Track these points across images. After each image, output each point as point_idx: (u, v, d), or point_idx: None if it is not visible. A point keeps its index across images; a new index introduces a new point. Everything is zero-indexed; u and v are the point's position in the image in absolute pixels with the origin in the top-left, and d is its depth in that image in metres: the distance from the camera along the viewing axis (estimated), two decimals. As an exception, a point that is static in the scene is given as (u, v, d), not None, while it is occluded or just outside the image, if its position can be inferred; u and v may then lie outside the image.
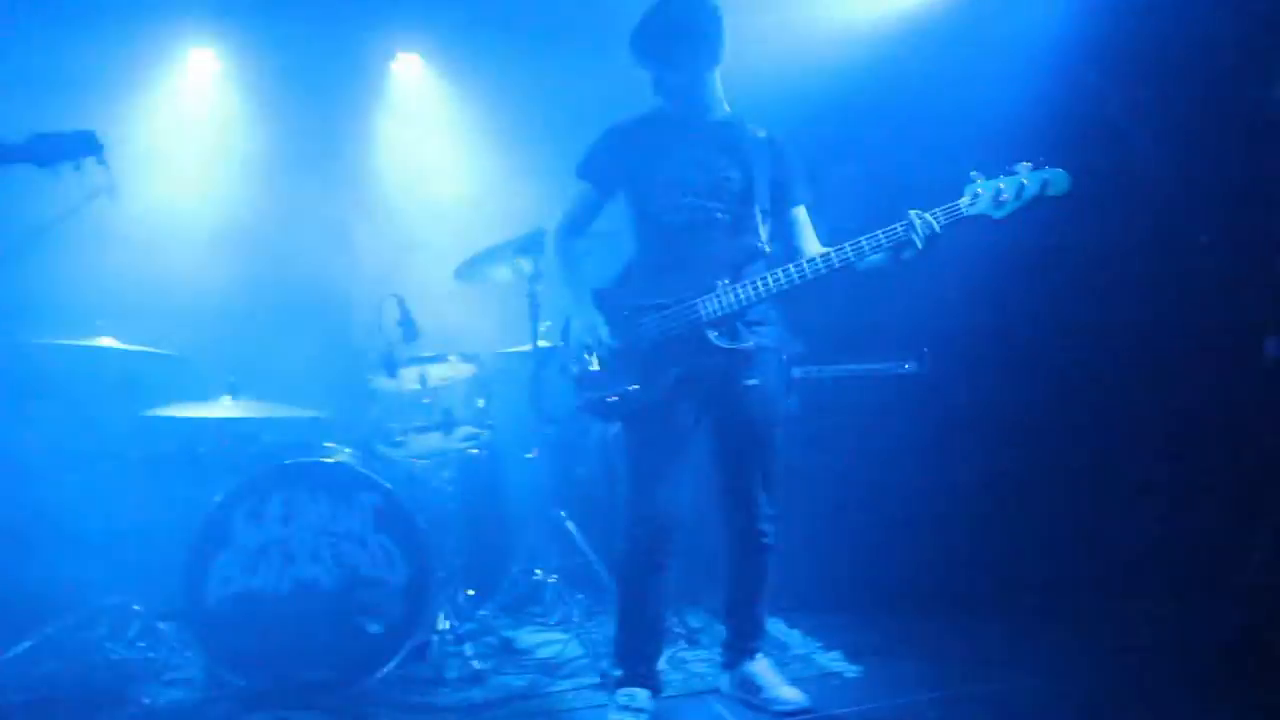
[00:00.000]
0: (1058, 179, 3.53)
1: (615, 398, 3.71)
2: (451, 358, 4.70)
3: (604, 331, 3.73)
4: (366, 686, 4.21)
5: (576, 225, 3.96)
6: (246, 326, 5.36)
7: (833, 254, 3.57)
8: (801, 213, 3.92)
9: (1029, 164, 3.52)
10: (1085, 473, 5.46)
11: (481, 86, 6.18)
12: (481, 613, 4.91)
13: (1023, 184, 3.50)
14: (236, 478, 4.26)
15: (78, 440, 4.80)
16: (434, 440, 4.61)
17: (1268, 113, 4.51)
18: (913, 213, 3.50)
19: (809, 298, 6.15)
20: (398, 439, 4.64)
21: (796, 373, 5.68)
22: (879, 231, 3.54)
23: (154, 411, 4.59)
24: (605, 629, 4.34)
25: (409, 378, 4.62)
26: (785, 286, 3.60)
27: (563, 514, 5.17)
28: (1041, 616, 4.77)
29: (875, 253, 3.54)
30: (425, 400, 4.59)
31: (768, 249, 3.76)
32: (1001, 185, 3.51)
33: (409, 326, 4.56)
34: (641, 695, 3.72)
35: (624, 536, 3.73)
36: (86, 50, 5.35)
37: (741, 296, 3.64)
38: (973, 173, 3.55)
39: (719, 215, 3.77)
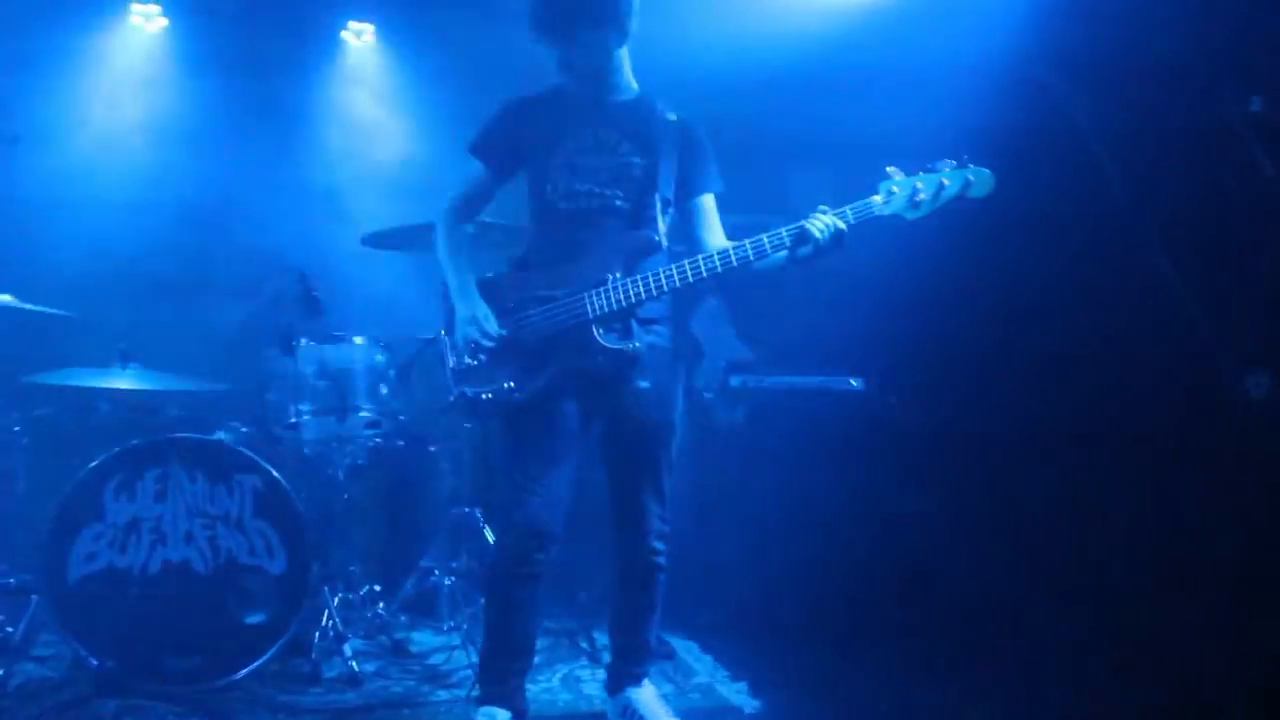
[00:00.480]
0: (981, 179, 3.25)
1: (489, 395, 3.43)
2: (357, 340, 4.44)
3: (489, 324, 3.44)
4: (235, 680, 3.96)
5: (466, 208, 3.66)
6: (158, 294, 5.13)
7: (731, 250, 3.29)
8: (707, 202, 3.62)
9: (952, 162, 3.25)
10: (1031, 507, 5.15)
11: (433, 59, 5.94)
12: (378, 611, 4.63)
13: (942, 184, 3.23)
14: (108, 450, 4.00)
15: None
16: (329, 425, 4.35)
17: (1241, 127, 4.19)
18: (820, 210, 3.23)
19: (756, 302, 6.12)
20: (291, 421, 4.38)
21: (735, 381, 5.42)
22: (781, 229, 3.26)
23: (40, 377, 4.34)
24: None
25: (306, 358, 4.36)
26: (678, 284, 3.32)
27: (477, 512, 4.89)
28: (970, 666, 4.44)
29: (778, 250, 3.26)
30: (321, 383, 4.32)
31: (664, 242, 3.47)
32: (919, 184, 3.23)
33: (312, 303, 4.30)
34: (502, 716, 3.44)
35: (495, 544, 3.46)
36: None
37: (631, 292, 3.35)
38: (889, 168, 3.29)
39: (618, 203, 3.49)
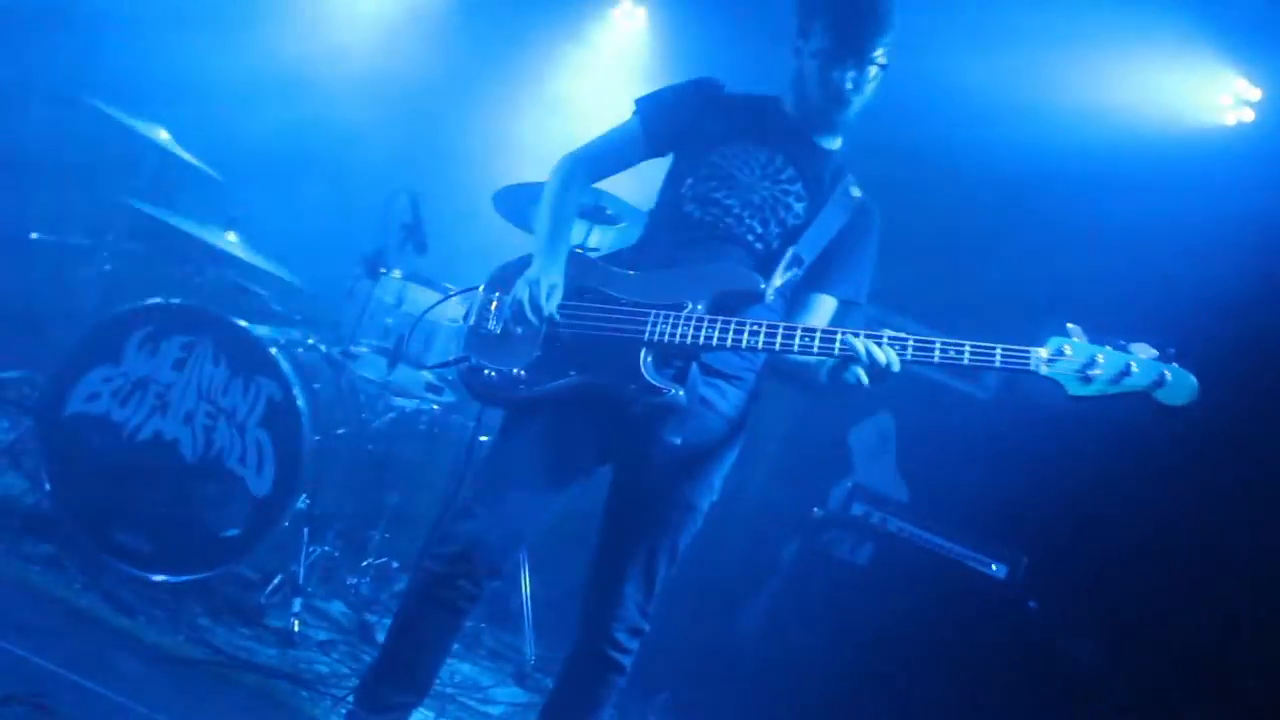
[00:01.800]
0: (1180, 387, 2.42)
1: (492, 372, 2.87)
2: (450, 291, 3.99)
3: (550, 297, 2.83)
4: (171, 583, 3.61)
5: (596, 162, 3.07)
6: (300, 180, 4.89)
7: (817, 336, 2.62)
8: (828, 304, 2.95)
9: (1153, 351, 2.45)
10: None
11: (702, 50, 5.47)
12: (361, 581, 4.16)
13: (1129, 369, 2.43)
14: (144, 299, 3.75)
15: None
16: (380, 368, 3.93)
17: None
18: (896, 336, 2.56)
19: (929, 436, 5.25)
20: (350, 349, 4.00)
21: (858, 509, 4.58)
22: (860, 333, 2.58)
23: (145, 206, 4.18)
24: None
25: (387, 288, 3.96)
26: (748, 343, 2.66)
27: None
28: None
29: (843, 353, 2.59)
30: (390, 320, 3.90)
31: (770, 297, 2.81)
32: (1099, 358, 2.44)
33: (416, 232, 3.91)
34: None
35: (418, 553, 2.88)
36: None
37: (700, 333, 2.70)
38: (1070, 325, 2.50)
39: (750, 237, 2.87)
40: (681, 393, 2.71)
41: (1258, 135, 4.83)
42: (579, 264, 2.95)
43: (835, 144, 3.00)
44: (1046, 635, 4.30)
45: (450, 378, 3.89)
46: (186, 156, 4.39)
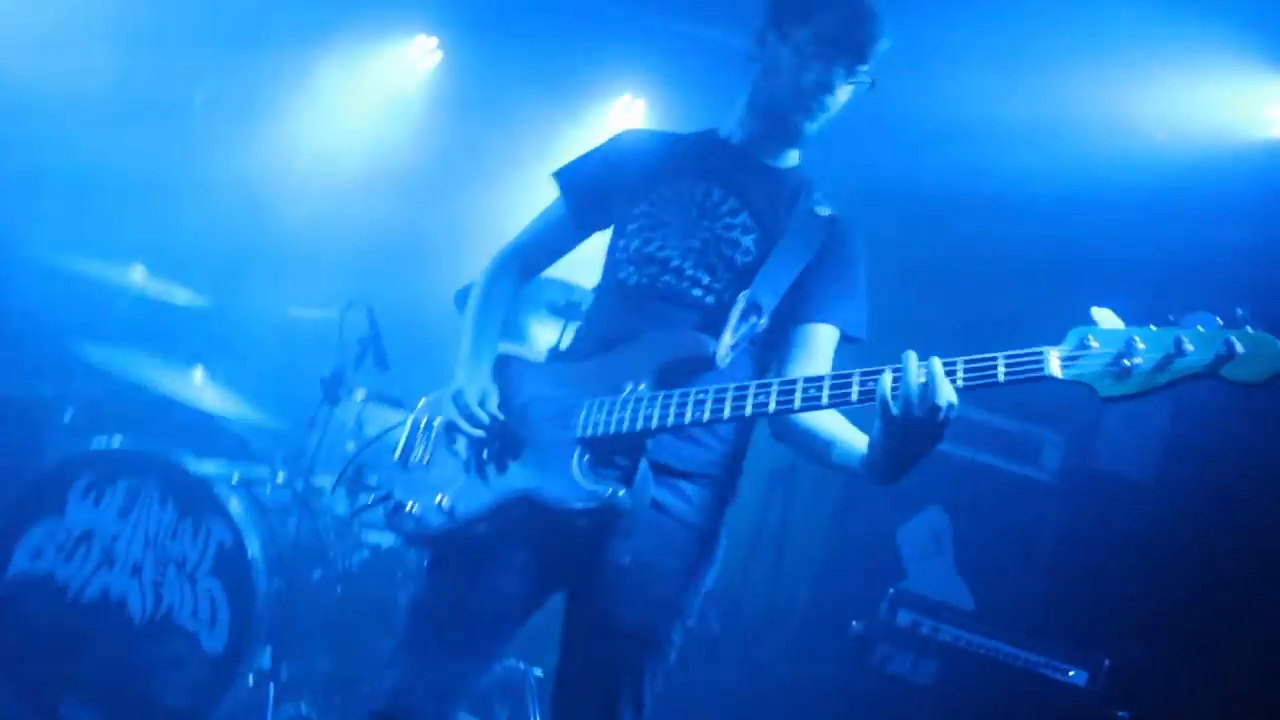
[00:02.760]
0: (1257, 353, 1.74)
1: (415, 507, 2.44)
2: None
3: (484, 403, 2.41)
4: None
5: (525, 255, 2.69)
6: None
7: (774, 388, 2.09)
8: (820, 336, 2.42)
9: (1216, 319, 1.80)
10: None
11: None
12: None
13: (1180, 347, 1.78)
14: (85, 444, 3.48)
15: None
16: (340, 501, 3.57)
17: None
18: (918, 364, 1.96)
19: (988, 531, 4.68)
20: (315, 482, 3.66)
21: (904, 619, 4.02)
22: (855, 373, 2.03)
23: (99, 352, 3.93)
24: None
25: (348, 413, 3.63)
26: (694, 416, 2.16)
27: (535, 673, 3.86)
28: None
29: (838, 401, 2.05)
30: (349, 446, 3.56)
31: (725, 357, 2.31)
32: (1137, 342, 1.81)
33: (375, 347, 3.59)
34: None
35: None
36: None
37: (641, 416, 2.22)
38: (1094, 310, 1.93)
39: (697, 293, 2.41)
40: (622, 492, 2.24)
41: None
42: (513, 368, 2.53)
43: (791, 160, 2.54)
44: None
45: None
46: (160, 292, 4.17)
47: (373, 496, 2.56)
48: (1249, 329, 1.75)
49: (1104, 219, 4.42)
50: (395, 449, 2.58)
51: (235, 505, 3.41)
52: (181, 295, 4.15)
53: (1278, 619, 4.03)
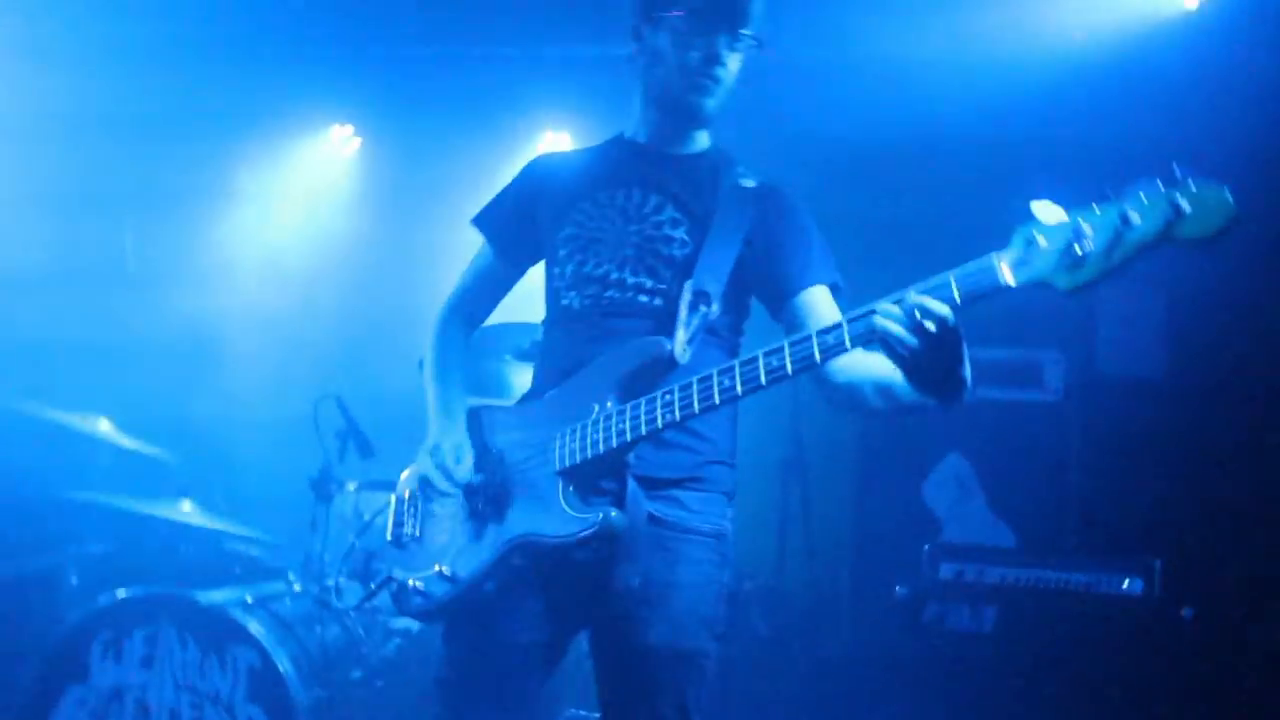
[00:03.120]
0: (1206, 206, 1.68)
1: (418, 582, 2.38)
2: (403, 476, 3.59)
3: (459, 461, 2.38)
4: None
5: (467, 305, 2.65)
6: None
7: (760, 359, 2.03)
8: (815, 299, 2.36)
9: (1157, 181, 1.72)
10: None
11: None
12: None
13: (1127, 220, 1.72)
14: (94, 603, 3.42)
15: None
16: (358, 594, 3.50)
17: None
18: (894, 299, 1.89)
19: (1014, 462, 4.60)
20: (329, 583, 3.59)
21: (948, 572, 3.95)
22: (842, 321, 1.95)
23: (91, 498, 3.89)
24: None
25: (344, 506, 3.58)
26: (677, 416, 2.12)
27: None
28: None
29: (833, 352, 1.96)
30: (352, 539, 3.49)
31: (684, 354, 2.25)
32: (1084, 225, 1.75)
33: (355, 436, 3.54)
34: None
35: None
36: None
37: (615, 431, 2.18)
38: (1033, 205, 1.87)
39: (643, 299, 2.36)
40: (614, 513, 2.19)
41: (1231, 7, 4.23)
42: (484, 418, 2.48)
43: (702, 143, 2.49)
44: (1210, 642, 3.58)
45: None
46: (130, 444, 4.13)
47: (374, 583, 2.51)
48: (1191, 184, 1.69)
49: (1036, 131, 4.39)
50: (386, 528, 2.54)
51: (256, 626, 3.35)
52: (148, 448, 4.14)
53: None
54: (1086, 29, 4.47)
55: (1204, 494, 4.00)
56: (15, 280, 4.48)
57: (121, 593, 3.41)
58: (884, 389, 2.11)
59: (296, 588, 3.72)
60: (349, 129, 5.59)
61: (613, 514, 2.18)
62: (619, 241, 2.39)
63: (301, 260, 5.18)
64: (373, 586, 2.53)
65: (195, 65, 4.88)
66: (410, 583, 2.39)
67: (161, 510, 3.84)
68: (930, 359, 1.89)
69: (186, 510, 3.87)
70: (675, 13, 2.34)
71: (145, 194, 4.94)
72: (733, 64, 2.37)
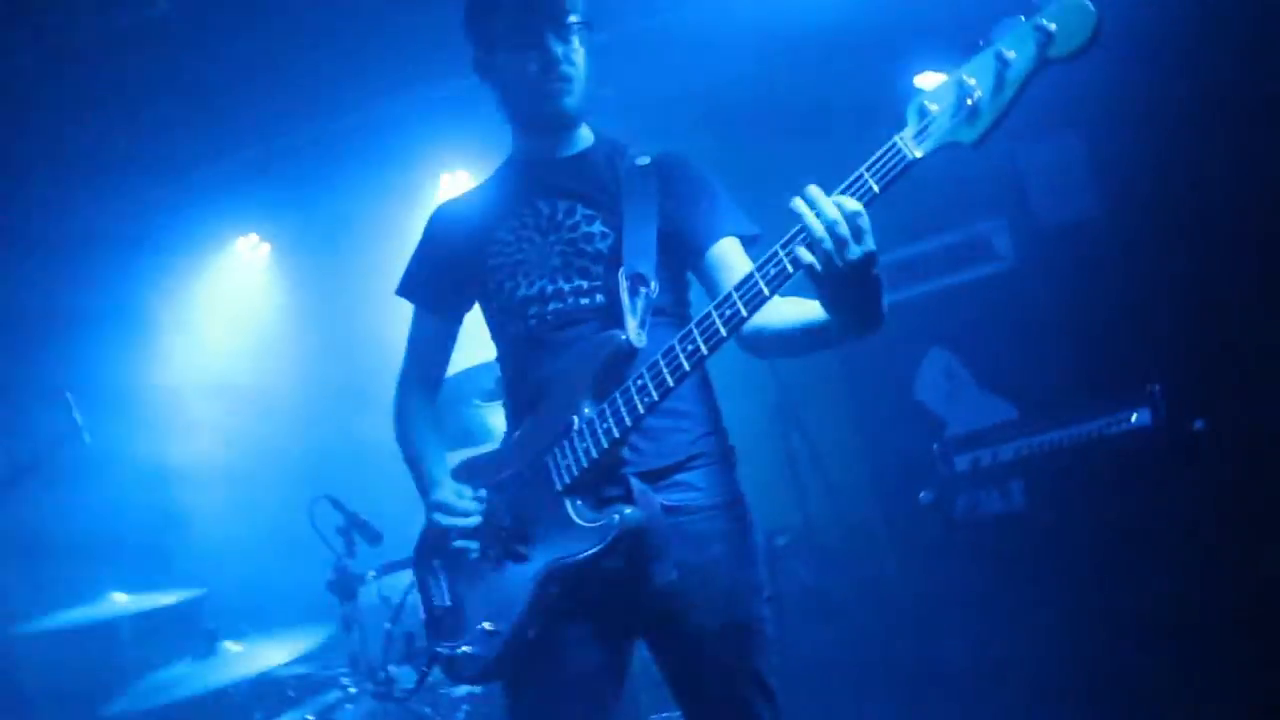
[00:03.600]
0: (1068, 20, 1.75)
1: (467, 648, 2.37)
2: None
3: (460, 498, 2.38)
4: None
5: (420, 371, 2.65)
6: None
7: (713, 314, 2.05)
8: (727, 251, 2.37)
9: (1019, 17, 1.81)
10: None
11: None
12: None
13: (1002, 59, 1.80)
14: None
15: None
16: (410, 678, 3.48)
17: None
18: (806, 198, 1.91)
19: (994, 336, 4.60)
20: (381, 677, 3.56)
21: (963, 464, 3.97)
22: (777, 249, 1.98)
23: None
24: None
25: (371, 594, 3.56)
26: (655, 396, 2.12)
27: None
28: None
29: (778, 282, 1.99)
30: (388, 625, 3.48)
31: (638, 338, 2.26)
32: (967, 79, 1.83)
33: (359, 528, 3.51)
34: None
35: None
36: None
37: (601, 432, 2.20)
38: (915, 79, 2.01)
39: (584, 301, 2.37)
40: (628, 510, 2.20)
41: None
42: (475, 467, 2.50)
43: (586, 138, 2.52)
44: (1226, 448, 3.61)
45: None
46: (147, 602, 4.07)
47: (424, 664, 2.50)
48: (1051, 4, 1.77)
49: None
50: (418, 613, 2.53)
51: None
52: (166, 597, 4.08)
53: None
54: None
55: (1175, 312, 4.02)
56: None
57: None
58: (810, 329, 2.14)
59: (352, 690, 3.68)
60: (254, 237, 5.54)
61: (627, 510, 2.21)
62: (543, 255, 2.40)
63: (247, 374, 5.13)
64: (424, 668, 2.52)
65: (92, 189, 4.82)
66: (459, 651, 2.39)
67: (205, 676, 3.78)
68: (850, 279, 1.92)
69: (231, 648, 3.81)
70: (498, 31, 2.38)
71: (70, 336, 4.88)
72: (576, 55, 2.40)
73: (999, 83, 1.80)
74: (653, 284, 2.32)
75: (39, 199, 4.72)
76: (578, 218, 2.41)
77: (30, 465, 4.02)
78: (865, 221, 1.88)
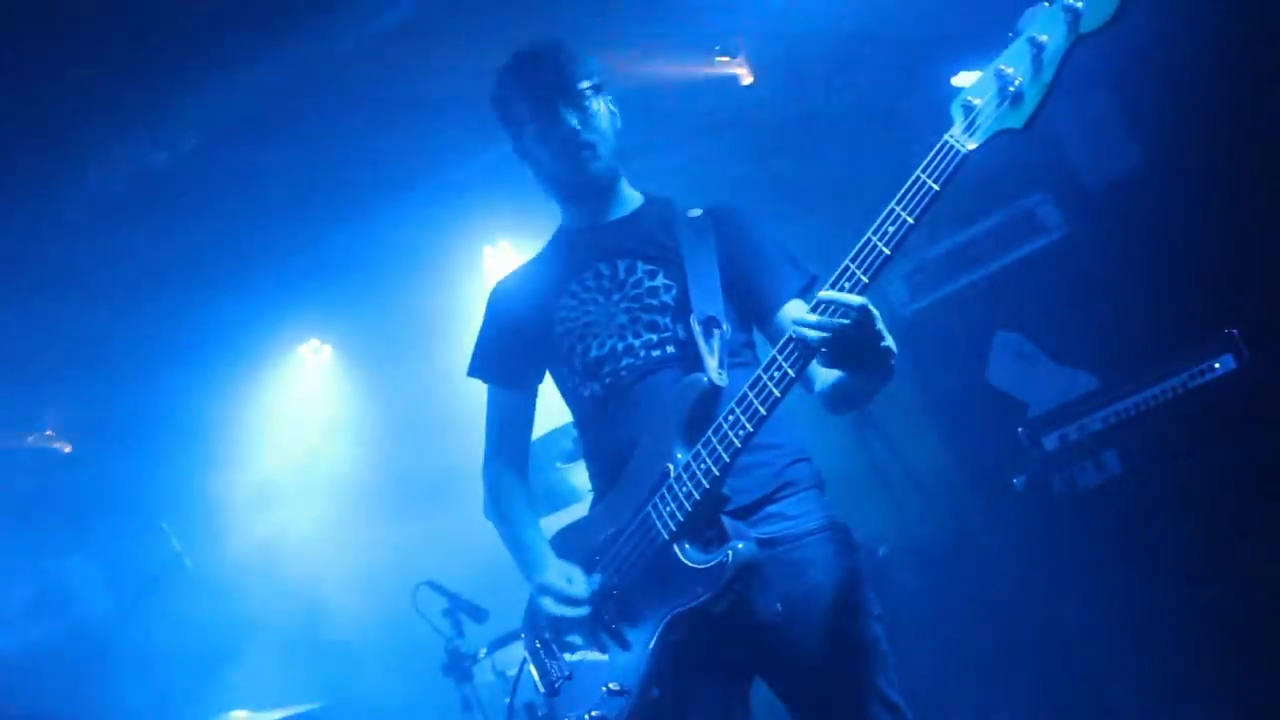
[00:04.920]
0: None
1: (595, 713, 2.34)
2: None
3: (573, 583, 2.35)
4: None
5: (506, 447, 2.65)
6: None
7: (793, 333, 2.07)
8: (793, 310, 2.36)
9: (1042, 3, 1.87)
10: None
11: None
12: None
13: (1037, 44, 1.86)
14: None
15: None
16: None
17: None
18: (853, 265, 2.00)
19: (1058, 306, 4.50)
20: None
21: (1051, 444, 3.89)
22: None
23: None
24: None
25: (485, 673, 3.56)
26: (746, 432, 2.13)
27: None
28: None
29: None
30: (506, 700, 3.47)
31: (721, 378, 2.27)
32: (1005, 69, 1.89)
33: (463, 608, 3.54)
34: None
35: None
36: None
37: (701, 473, 2.19)
38: (954, 80, 2.08)
39: (656, 353, 2.39)
40: (740, 545, 2.17)
41: None
42: (569, 536, 2.50)
43: (633, 200, 2.56)
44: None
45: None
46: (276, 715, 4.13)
47: None
48: None
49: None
50: (535, 685, 2.52)
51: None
52: (290, 710, 4.14)
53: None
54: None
55: (1238, 252, 3.93)
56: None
57: None
58: (836, 391, 2.26)
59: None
60: (314, 342, 5.64)
61: (740, 546, 2.18)
62: (610, 315, 2.44)
63: (331, 468, 5.21)
64: None
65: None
66: (587, 716, 2.36)
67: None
68: (851, 348, 2.01)
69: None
70: (523, 113, 2.45)
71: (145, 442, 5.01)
72: (596, 119, 2.44)
73: (1037, 65, 1.86)
74: (725, 326, 2.34)
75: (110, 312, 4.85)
76: (640, 274, 2.44)
77: (142, 591, 4.13)
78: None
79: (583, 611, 2.34)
